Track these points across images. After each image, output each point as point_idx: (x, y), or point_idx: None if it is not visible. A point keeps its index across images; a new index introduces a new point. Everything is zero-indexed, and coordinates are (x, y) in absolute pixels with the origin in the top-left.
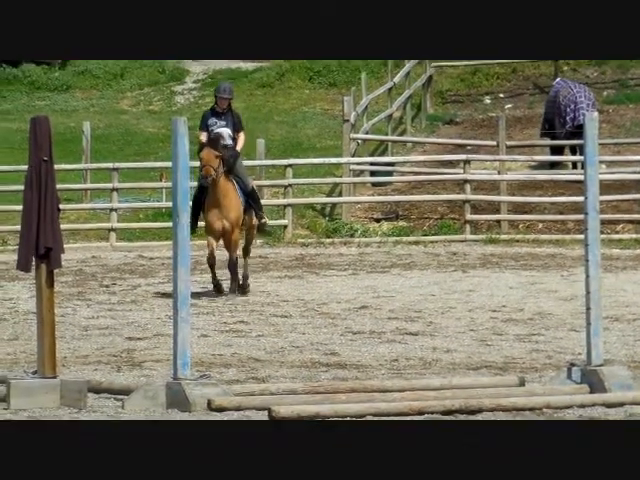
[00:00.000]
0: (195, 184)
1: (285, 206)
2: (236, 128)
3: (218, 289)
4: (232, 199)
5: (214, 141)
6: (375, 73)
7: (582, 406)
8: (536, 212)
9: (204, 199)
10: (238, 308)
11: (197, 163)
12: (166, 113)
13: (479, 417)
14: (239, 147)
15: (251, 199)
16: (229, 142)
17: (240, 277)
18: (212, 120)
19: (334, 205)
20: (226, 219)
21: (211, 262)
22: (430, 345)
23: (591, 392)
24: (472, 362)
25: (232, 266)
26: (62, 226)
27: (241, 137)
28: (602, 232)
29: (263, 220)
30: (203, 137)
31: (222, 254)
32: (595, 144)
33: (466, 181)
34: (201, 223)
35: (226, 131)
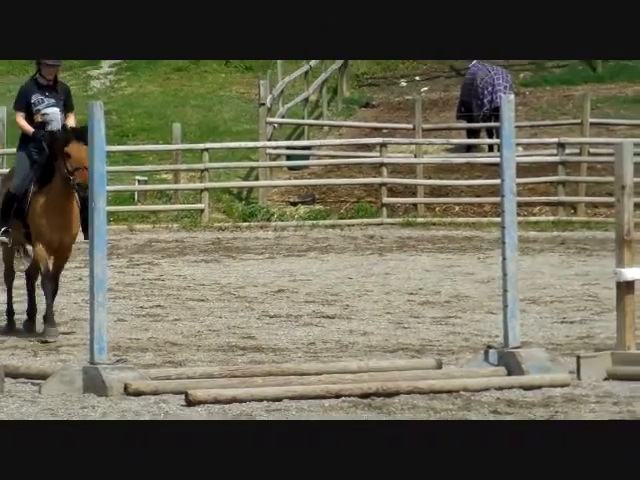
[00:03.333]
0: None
1: (202, 190)
2: (67, 107)
3: (11, 319)
4: (75, 208)
5: (79, 132)
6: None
7: (499, 388)
8: (453, 195)
9: (27, 201)
10: (154, 292)
11: (114, 148)
12: (82, 98)
13: (396, 400)
14: None
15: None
16: (58, 126)
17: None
18: (37, 96)
19: (251, 189)
20: (67, 232)
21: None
22: (347, 328)
23: (508, 374)
24: (389, 345)
25: (55, 286)
26: None
27: (71, 120)
28: (519, 214)
29: None
30: (22, 120)
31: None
32: (511, 126)
33: (382, 164)
34: None
35: (57, 114)
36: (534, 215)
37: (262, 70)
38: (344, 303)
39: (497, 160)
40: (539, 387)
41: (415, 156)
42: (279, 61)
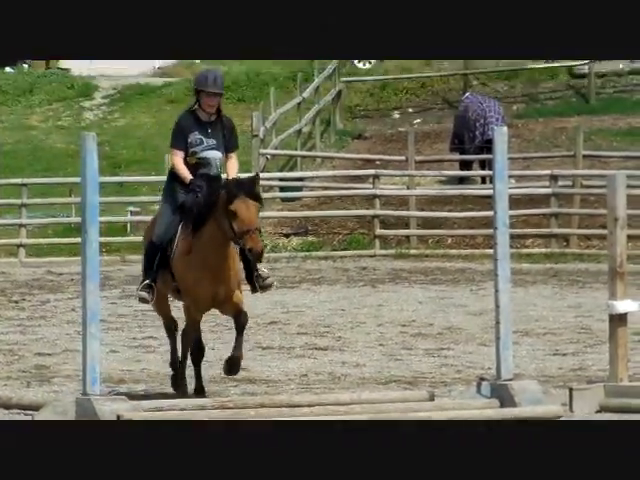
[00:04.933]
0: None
1: None
2: (229, 146)
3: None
4: (233, 257)
5: (247, 186)
6: (284, 88)
7: None
8: (445, 227)
9: (173, 249)
10: (147, 324)
11: (107, 179)
12: (75, 129)
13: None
14: (232, 176)
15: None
16: (215, 171)
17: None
18: (195, 135)
19: None
20: (222, 286)
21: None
22: (339, 360)
23: (501, 407)
24: (381, 377)
25: (242, 326)
26: None
27: (233, 163)
28: (511, 246)
29: (269, 280)
30: (181, 162)
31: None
32: (504, 158)
33: (375, 196)
34: None
35: (217, 157)
36: (527, 247)
37: (255, 101)
38: (336, 335)
39: (490, 192)
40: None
41: (408, 188)
42: (272, 92)
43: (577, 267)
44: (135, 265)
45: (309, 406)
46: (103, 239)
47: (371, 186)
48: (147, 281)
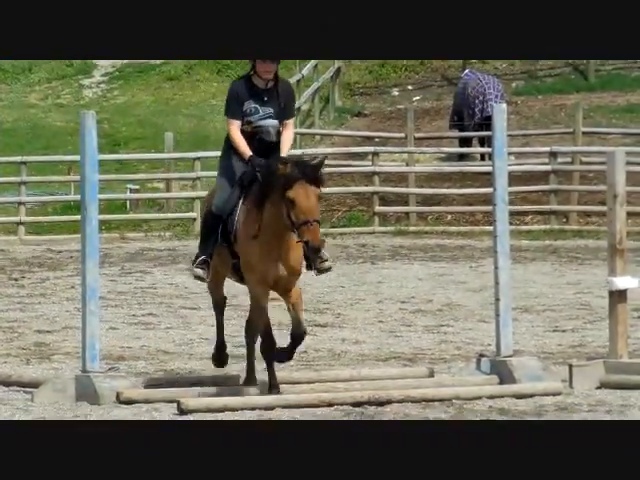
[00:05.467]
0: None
1: (193, 199)
2: (286, 114)
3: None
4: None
5: (310, 169)
6: (283, 66)
7: (491, 397)
8: (445, 204)
9: (234, 221)
10: (147, 300)
11: (106, 156)
12: (74, 107)
13: (388, 408)
14: (285, 150)
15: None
16: (273, 138)
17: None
18: (250, 104)
19: None
20: (286, 265)
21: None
22: (339, 336)
23: (500, 383)
24: (381, 353)
25: (300, 335)
26: None
27: (288, 134)
28: (511, 223)
29: (327, 263)
30: (238, 133)
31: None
32: (504, 135)
33: (375, 173)
34: None
35: (274, 125)
36: (526, 224)
37: None
38: (336, 312)
39: (489, 169)
40: (531, 396)
41: (407, 165)
42: None
43: (576, 244)
44: (134, 242)
45: (309, 382)
46: (102, 217)
47: (370, 163)
48: (203, 256)
